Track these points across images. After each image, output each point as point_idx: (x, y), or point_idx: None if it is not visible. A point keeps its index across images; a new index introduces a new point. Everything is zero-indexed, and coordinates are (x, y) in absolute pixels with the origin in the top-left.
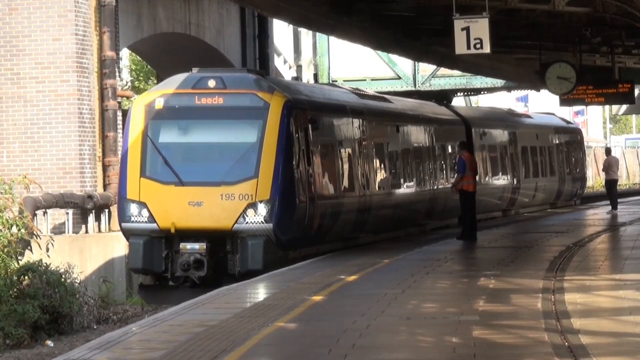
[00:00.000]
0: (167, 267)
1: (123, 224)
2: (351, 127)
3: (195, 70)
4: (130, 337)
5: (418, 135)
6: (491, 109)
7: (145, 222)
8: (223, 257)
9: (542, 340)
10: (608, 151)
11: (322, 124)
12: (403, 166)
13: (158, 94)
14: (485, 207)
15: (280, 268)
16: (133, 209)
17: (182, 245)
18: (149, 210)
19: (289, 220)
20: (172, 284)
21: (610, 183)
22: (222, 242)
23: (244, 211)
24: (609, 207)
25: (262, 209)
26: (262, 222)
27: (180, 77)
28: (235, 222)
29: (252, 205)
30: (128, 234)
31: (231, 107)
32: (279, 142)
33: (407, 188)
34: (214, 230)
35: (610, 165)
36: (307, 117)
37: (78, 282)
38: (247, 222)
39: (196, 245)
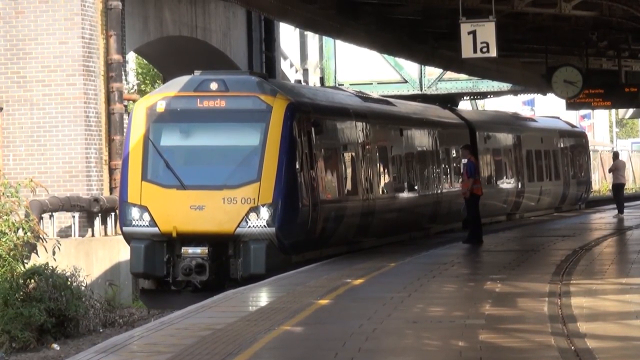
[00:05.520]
0: (168, 271)
1: (124, 228)
2: (354, 130)
3: (197, 72)
4: (136, 340)
5: (422, 138)
6: (496, 112)
7: (147, 226)
8: (225, 261)
9: (549, 344)
10: (616, 155)
11: (325, 127)
12: (407, 170)
13: (160, 97)
14: (490, 211)
15: (283, 272)
16: (134, 212)
17: (183, 249)
18: (150, 214)
19: (291, 224)
20: (174, 288)
21: (617, 187)
22: (224, 246)
23: (247, 215)
24: (616, 211)
25: (265, 213)
26: (265, 226)
27: (182, 80)
28: (238, 226)
29: (255, 209)
30: (129, 238)
31: (233, 109)
32: (282, 145)
33: (410, 192)
34: (216, 234)
35: (617, 169)
36: (310, 120)
37: (84, 285)
38: (249, 226)
39: (198, 250)
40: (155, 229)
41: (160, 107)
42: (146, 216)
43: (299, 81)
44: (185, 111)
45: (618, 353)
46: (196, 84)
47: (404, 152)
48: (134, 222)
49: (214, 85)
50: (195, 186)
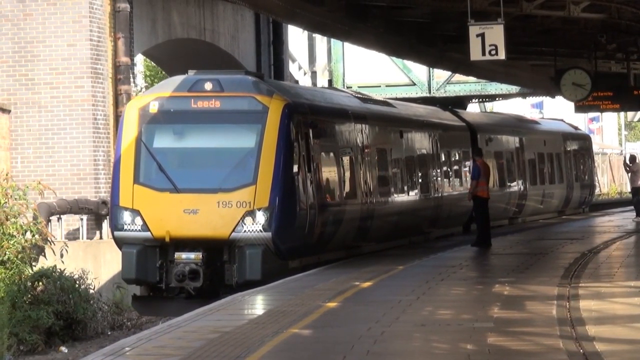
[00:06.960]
0: (161, 277)
1: (115, 233)
2: (353, 132)
3: (191, 72)
4: (144, 343)
5: (422, 141)
6: (498, 114)
7: (139, 230)
8: (220, 267)
9: (557, 347)
10: (633, 158)
11: (323, 128)
12: (406, 173)
13: (152, 97)
14: (492, 214)
15: (279, 278)
16: (126, 216)
17: (177, 254)
18: (142, 218)
19: (288, 228)
20: (167, 295)
21: (636, 190)
22: (218, 252)
23: (242, 219)
24: (634, 214)
25: (261, 217)
26: (261, 231)
27: (176, 80)
28: (233, 230)
29: (250, 213)
30: (121, 242)
31: (228, 110)
32: (279, 147)
33: (410, 195)
34: (210, 239)
35: (638, 171)
36: (308, 121)
37: (92, 288)
38: (245, 231)
39: (192, 255)
40: (147, 234)
41: (153, 107)
42: (138, 220)
43: (296, 81)
44: (178, 112)
45: (627, 356)
46: (190, 84)
47: (403, 154)
48: (125, 227)
49: (208, 86)
50: (189, 189)
